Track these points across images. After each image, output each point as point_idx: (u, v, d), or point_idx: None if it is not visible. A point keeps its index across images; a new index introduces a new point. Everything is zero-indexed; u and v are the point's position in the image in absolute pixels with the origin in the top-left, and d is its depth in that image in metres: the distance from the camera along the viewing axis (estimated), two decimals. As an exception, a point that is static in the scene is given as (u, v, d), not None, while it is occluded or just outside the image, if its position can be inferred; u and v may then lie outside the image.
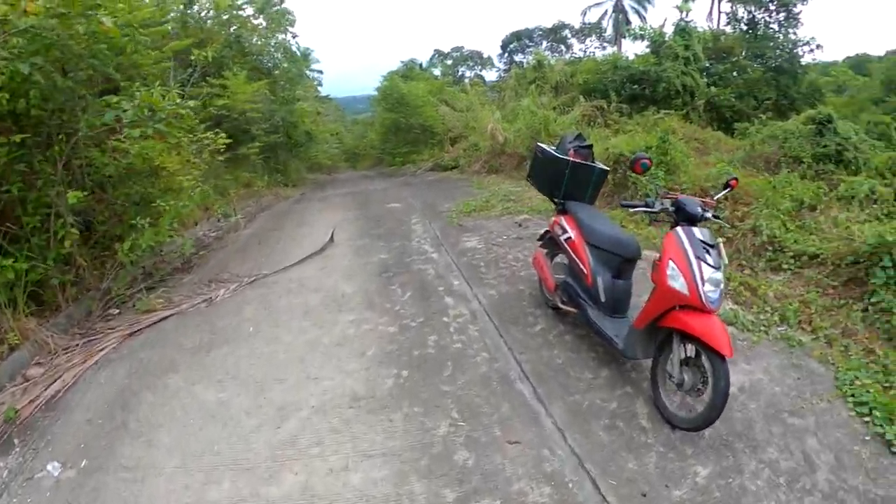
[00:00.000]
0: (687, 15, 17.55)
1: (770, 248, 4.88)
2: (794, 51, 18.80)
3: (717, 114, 17.19)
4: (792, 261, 4.71)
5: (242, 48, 12.79)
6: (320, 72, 46.11)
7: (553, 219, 4.15)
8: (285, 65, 15.73)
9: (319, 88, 40.47)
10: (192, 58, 8.58)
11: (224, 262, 6.45)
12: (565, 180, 3.97)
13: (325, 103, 34.80)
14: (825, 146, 9.70)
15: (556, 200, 4.15)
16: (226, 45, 11.42)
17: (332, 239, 6.64)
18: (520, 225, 6.88)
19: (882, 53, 34.15)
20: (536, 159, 4.36)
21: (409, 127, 16.39)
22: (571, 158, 3.95)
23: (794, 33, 18.57)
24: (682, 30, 16.07)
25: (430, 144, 16.35)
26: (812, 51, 19.33)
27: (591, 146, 4.18)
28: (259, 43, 13.99)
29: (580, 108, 13.64)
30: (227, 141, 11.07)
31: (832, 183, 9.25)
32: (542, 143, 4.65)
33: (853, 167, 10.01)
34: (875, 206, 6.41)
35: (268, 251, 6.75)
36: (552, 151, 4.11)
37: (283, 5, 15.60)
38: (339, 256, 6.16)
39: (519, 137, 11.79)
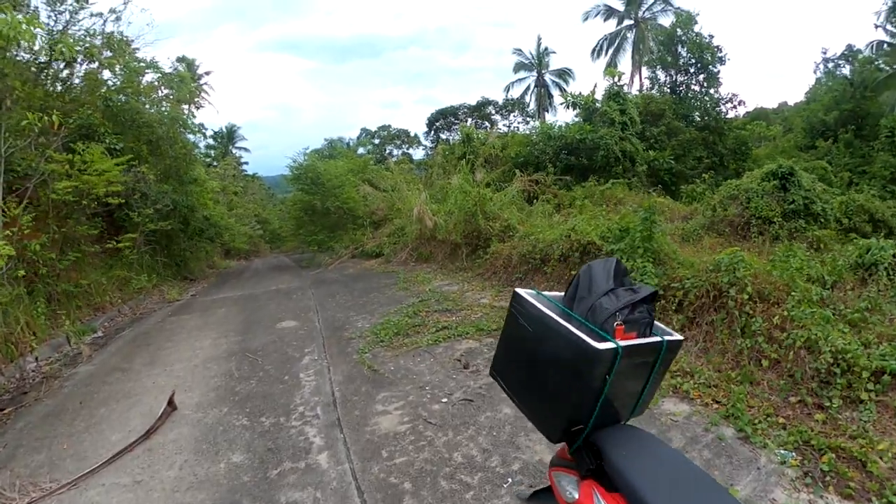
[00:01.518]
0: (619, 79, 17.38)
1: (837, 370, 3.30)
2: (718, 108, 19.01)
3: (656, 177, 16.70)
4: (871, 385, 3.18)
5: (131, 117, 10.52)
6: (246, 149, 45.09)
7: (572, 489, 1.52)
8: (186, 138, 13.54)
9: (245, 166, 39.15)
10: (24, 122, 6.38)
11: (17, 444, 3.93)
12: (605, 391, 1.40)
13: (249, 182, 33.39)
14: (793, 201, 8.80)
15: (572, 431, 1.50)
16: (95, 111, 9.35)
17: (171, 404, 4.27)
18: (465, 366, 4.54)
19: (775, 105, 36.89)
20: (518, 330, 1.63)
21: (327, 210, 14.45)
22: (621, 342, 1.38)
23: (717, 92, 18.82)
24: (616, 94, 15.60)
25: (351, 229, 14.53)
26: (735, 107, 19.73)
27: (655, 294, 1.58)
28: (154, 112, 11.66)
29: (518, 183, 12.46)
30: (93, 232, 9.11)
31: (809, 241, 8.31)
32: (520, 288, 1.70)
33: (822, 219, 9.19)
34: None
35: (83, 423, 4.04)
36: (568, 326, 1.43)
37: (181, 69, 14.16)
38: (170, 452, 3.54)
39: (451, 221, 10.20)
